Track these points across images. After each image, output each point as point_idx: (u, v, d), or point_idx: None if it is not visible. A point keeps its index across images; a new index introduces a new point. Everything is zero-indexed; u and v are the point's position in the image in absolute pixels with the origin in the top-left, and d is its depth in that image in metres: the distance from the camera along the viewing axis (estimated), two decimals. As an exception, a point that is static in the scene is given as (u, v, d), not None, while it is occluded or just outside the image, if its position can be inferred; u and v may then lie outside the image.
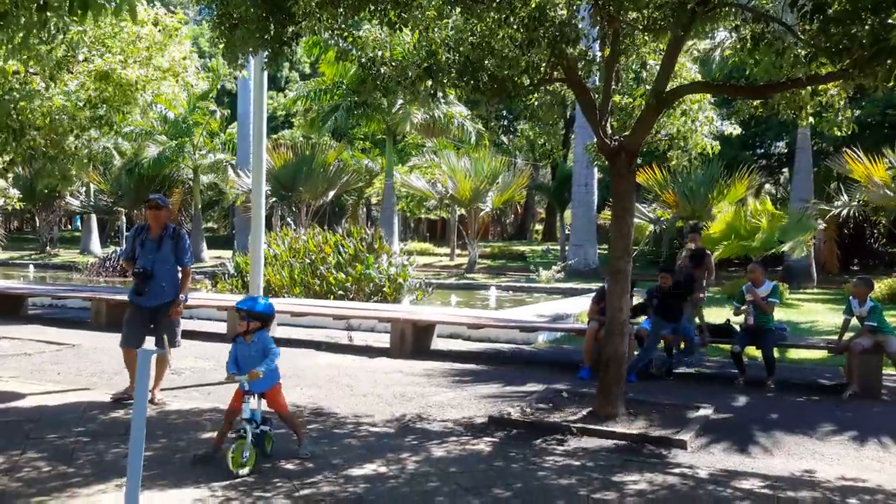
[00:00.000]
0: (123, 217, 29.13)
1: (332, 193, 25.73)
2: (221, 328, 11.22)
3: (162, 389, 7.30)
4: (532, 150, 36.43)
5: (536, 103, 7.27)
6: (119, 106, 8.55)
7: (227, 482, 4.69)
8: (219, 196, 30.12)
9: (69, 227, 45.22)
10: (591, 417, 6.46)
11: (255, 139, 8.50)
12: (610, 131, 6.77)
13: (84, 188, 29.00)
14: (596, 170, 22.20)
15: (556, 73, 6.67)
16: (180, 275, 7.11)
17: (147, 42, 8.49)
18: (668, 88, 6.50)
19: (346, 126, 28.28)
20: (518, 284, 19.81)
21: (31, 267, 24.08)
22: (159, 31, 8.90)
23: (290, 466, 5.07)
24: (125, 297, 7.48)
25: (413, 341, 9.81)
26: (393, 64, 6.10)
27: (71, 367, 8.47)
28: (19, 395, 6.99)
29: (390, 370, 8.74)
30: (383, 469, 5.06)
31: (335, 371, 8.64)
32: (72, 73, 8.46)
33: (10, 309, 12.62)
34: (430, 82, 6.03)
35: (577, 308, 12.44)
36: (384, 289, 13.97)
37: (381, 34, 6.55)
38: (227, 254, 23.83)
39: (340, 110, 25.25)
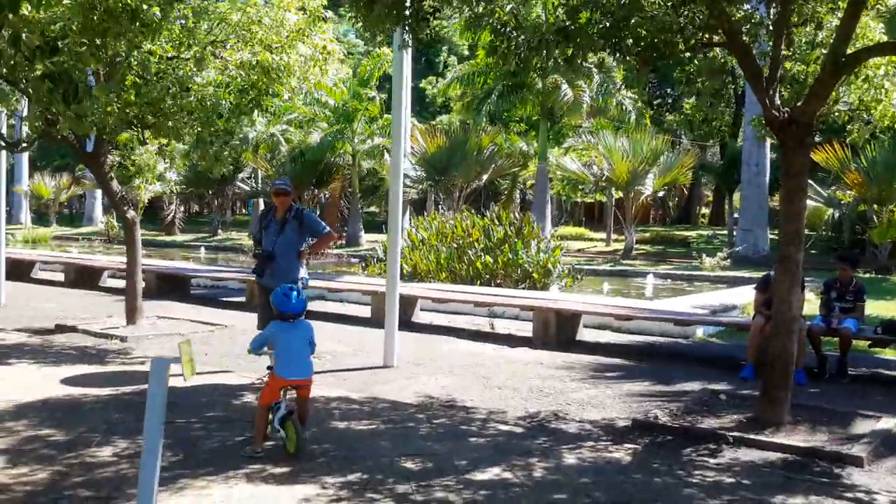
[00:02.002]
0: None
1: (485, 177, 25.46)
2: (365, 312, 11.19)
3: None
4: (691, 128, 34.64)
5: (695, 72, 6.47)
6: (265, 90, 8.56)
7: (338, 480, 4.44)
8: (379, 181, 30.66)
9: (244, 211, 47.84)
10: (751, 425, 5.70)
11: (394, 122, 8.24)
12: (779, 102, 5.91)
13: (252, 174, 30.43)
14: (769, 148, 20.51)
15: (716, 36, 5.90)
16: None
17: (289, 30, 8.42)
18: (847, 52, 5.58)
19: (501, 109, 27.90)
20: (678, 272, 18.67)
21: (203, 249, 25.55)
22: (306, 16, 8.86)
23: (408, 465, 4.75)
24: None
25: (557, 331, 9.28)
26: (527, 27, 5.57)
27: (219, 349, 8.63)
28: (162, 375, 7.14)
29: (530, 361, 8.28)
30: (508, 475, 4.62)
31: (473, 360, 8.29)
32: (220, 58, 8.57)
33: (174, 289, 13.26)
34: (569, 47, 5.46)
35: (743, 299, 11.39)
36: (532, 275, 13.48)
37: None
38: (384, 238, 24.19)
39: (494, 93, 24.87)
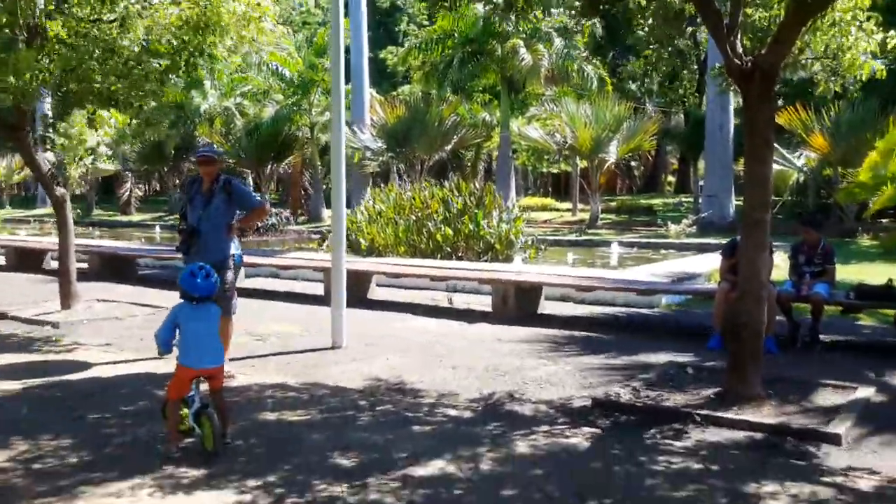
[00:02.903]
0: (250, 178, 29.45)
1: (447, 148, 24.84)
2: (319, 289, 10.64)
3: (233, 360, 6.71)
4: (653, 95, 34.13)
5: (651, 21, 5.98)
6: (199, 50, 7.91)
7: (258, 482, 3.94)
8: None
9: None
10: (720, 401, 5.29)
11: (334, 82, 7.63)
12: (741, 51, 5.45)
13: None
14: (732, 113, 20.17)
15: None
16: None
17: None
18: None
19: (462, 79, 27.25)
20: (644, 240, 18.33)
21: (158, 228, 24.71)
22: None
23: (342, 461, 4.26)
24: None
25: (516, 305, 8.84)
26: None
27: (127, 336, 8.00)
28: (85, 366, 6.57)
29: (489, 338, 7.83)
30: (452, 468, 4.15)
31: (428, 338, 7.82)
32: (145, 17, 7.90)
33: (119, 271, 12.59)
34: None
35: (708, 266, 11.03)
36: (495, 246, 13.01)
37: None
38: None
39: (455, 61, 24.21)
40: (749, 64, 5.21)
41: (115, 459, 4.27)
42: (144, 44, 7.71)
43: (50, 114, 9.32)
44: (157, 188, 44.54)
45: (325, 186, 27.69)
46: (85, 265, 13.09)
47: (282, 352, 7.24)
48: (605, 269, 12.99)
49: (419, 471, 4.10)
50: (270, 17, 8.28)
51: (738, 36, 5.45)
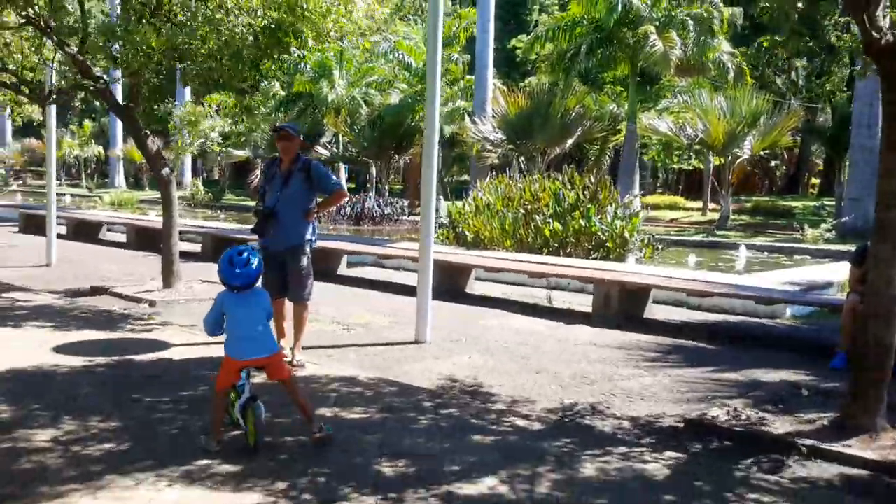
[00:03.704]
0: (373, 169, 29.75)
1: (570, 141, 24.03)
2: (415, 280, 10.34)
3: (310, 348, 6.51)
4: (799, 90, 31.74)
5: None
6: (293, 31, 7.73)
7: (289, 485, 3.62)
8: (462, 146, 29.69)
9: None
10: (834, 430, 4.54)
11: (429, 63, 7.21)
12: (884, 25, 4.64)
13: (334, 139, 29.98)
14: (881, 108, 18.36)
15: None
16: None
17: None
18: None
19: (591, 68, 26.37)
20: (776, 244, 17.00)
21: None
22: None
23: (385, 469, 3.88)
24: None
25: (619, 307, 8.19)
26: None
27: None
28: (163, 346, 6.53)
29: (583, 341, 7.26)
30: (503, 489, 3.68)
31: (518, 338, 7.34)
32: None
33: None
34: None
35: (843, 275, 9.91)
36: (606, 244, 12.30)
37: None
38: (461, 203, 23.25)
39: (583, 49, 23.37)
40: (893, 37, 4.41)
41: (153, 448, 4.07)
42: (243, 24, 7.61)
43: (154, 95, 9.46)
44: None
45: (446, 178, 27.60)
46: (198, 247, 13.44)
47: (363, 343, 6.96)
48: (727, 274, 12.02)
49: (466, 488, 3.66)
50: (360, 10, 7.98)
51: (882, 7, 4.64)
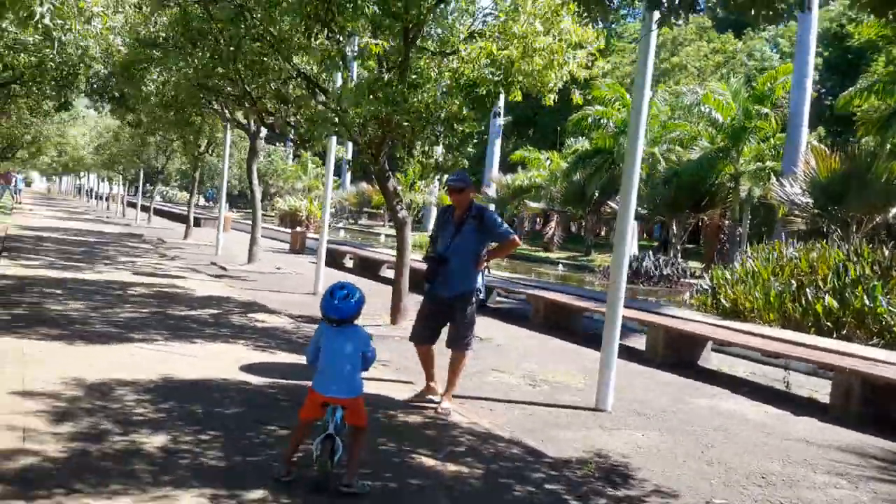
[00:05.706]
0: (674, 226, 28.65)
1: (894, 210, 20.87)
2: (640, 343, 9.60)
3: (475, 398, 6.28)
4: None
5: None
6: (504, 84, 7.68)
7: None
8: (766, 209, 27.39)
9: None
10: None
11: (632, 132, 6.60)
12: None
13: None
14: None
15: None
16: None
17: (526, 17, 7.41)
18: None
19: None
20: None
21: (560, 266, 25.24)
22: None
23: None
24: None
25: (862, 402, 6.78)
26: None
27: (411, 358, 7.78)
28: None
29: (796, 436, 6.09)
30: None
31: (717, 421, 6.39)
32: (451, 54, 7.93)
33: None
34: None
35: None
36: (894, 329, 10.36)
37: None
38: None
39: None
40: None
41: (223, 469, 4.14)
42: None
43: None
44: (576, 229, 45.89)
45: (739, 238, 25.61)
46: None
47: (536, 402, 6.55)
48: None
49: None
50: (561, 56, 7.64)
51: None
